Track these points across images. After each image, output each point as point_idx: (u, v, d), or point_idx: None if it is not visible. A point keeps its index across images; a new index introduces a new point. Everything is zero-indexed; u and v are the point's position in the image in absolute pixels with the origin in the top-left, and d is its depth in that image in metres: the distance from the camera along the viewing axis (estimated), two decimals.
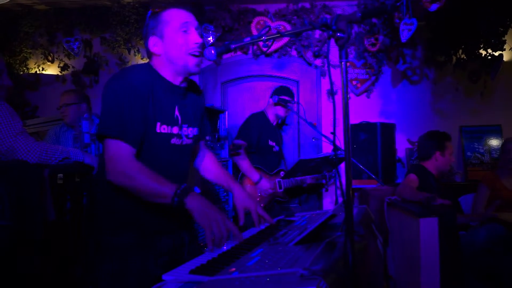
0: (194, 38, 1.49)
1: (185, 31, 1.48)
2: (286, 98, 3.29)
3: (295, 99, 3.37)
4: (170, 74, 1.53)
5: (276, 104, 3.26)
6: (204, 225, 1.31)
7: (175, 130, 1.53)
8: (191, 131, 1.62)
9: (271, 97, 3.34)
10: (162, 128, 1.48)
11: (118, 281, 1.41)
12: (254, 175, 3.07)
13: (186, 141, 1.59)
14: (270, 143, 3.27)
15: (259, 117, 3.31)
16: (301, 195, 3.39)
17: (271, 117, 3.36)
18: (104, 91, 1.42)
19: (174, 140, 1.54)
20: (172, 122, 1.52)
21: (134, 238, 1.46)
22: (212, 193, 2.97)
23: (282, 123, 3.59)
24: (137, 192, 1.35)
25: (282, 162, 3.41)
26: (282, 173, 3.27)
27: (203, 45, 1.52)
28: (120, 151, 1.36)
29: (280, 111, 3.31)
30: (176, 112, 1.54)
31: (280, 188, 3.17)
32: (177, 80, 1.55)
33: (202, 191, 3.05)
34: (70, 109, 2.97)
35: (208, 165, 1.85)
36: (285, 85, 3.45)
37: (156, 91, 1.47)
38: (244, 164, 3.04)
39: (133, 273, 1.42)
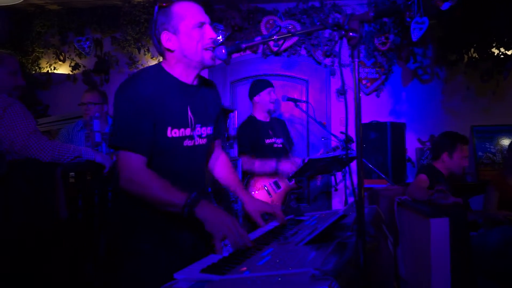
0: (209, 33, 1.47)
1: (200, 27, 1.47)
2: (295, 97, 3.25)
3: (273, 84, 3.25)
4: (183, 71, 1.51)
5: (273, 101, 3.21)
6: (214, 234, 1.31)
7: (188, 131, 1.52)
8: (204, 130, 1.60)
9: (252, 97, 3.23)
10: (173, 132, 1.48)
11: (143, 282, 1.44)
12: (270, 165, 2.99)
13: (199, 141, 1.58)
14: (268, 141, 3.17)
15: (247, 124, 3.22)
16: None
17: (261, 115, 3.24)
18: (114, 100, 1.44)
19: (186, 142, 1.52)
20: (184, 124, 1.51)
21: (153, 237, 1.48)
22: (222, 191, 2.95)
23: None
24: (147, 200, 1.39)
25: (288, 156, 3.34)
26: None
27: (217, 40, 1.50)
28: (130, 161, 1.39)
29: (266, 104, 3.17)
30: (189, 113, 1.53)
31: (291, 180, 3.14)
32: (189, 78, 1.53)
33: (212, 190, 3.05)
34: (95, 108, 3.00)
35: (220, 167, 1.84)
36: (257, 79, 3.34)
37: (167, 95, 1.46)
38: (256, 165, 3.02)
39: (159, 272, 1.44)
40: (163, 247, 1.49)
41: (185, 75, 1.52)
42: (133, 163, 1.39)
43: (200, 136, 1.58)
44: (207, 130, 1.62)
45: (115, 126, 1.43)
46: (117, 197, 1.57)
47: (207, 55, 1.48)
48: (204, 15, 1.50)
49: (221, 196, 2.97)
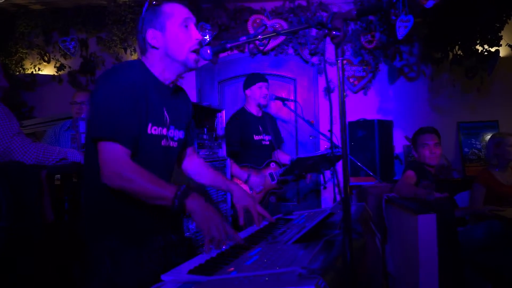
0: (195, 34, 1.47)
1: (186, 26, 1.47)
2: (282, 96, 3.26)
3: (268, 79, 3.27)
4: (163, 71, 1.50)
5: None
6: (203, 227, 1.31)
7: (164, 131, 1.50)
8: (177, 133, 1.59)
9: (245, 90, 3.25)
10: (153, 129, 1.45)
11: (114, 284, 1.39)
12: (242, 175, 3.04)
13: (171, 143, 1.56)
14: (256, 137, 3.19)
15: (238, 116, 3.24)
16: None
17: (254, 109, 3.26)
18: (95, 89, 1.37)
19: (164, 142, 1.51)
20: (162, 123, 1.49)
21: (125, 239, 1.43)
22: (205, 193, 2.93)
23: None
24: (135, 194, 1.32)
25: (274, 153, 3.35)
26: (272, 164, 3.21)
27: (203, 41, 1.50)
28: (115, 153, 1.31)
29: (256, 98, 3.20)
30: (165, 113, 1.51)
31: (273, 180, 3.15)
32: (167, 79, 1.52)
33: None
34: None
35: (202, 170, 1.82)
36: (252, 73, 3.34)
37: (148, 91, 1.43)
38: (232, 169, 3.05)
39: (128, 273, 1.41)
40: (137, 249, 1.44)
41: (163, 75, 1.51)
42: (119, 156, 1.31)
43: (172, 139, 1.56)
44: (179, 134, 1.61)
45: (97, 116, 1.34)
46: (90, 199, 1.50)
47: (192, 57, 1.48)
48: (191, 15, 1.50)
49: (206, 198, 2.96)
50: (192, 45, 1.46)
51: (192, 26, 1.49)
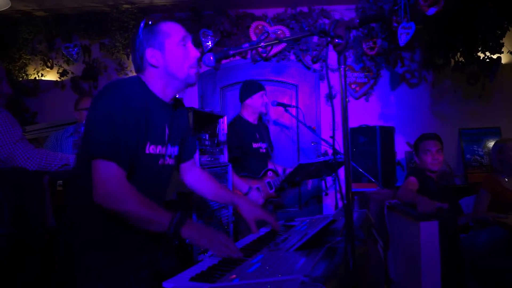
0: (193, 52, 1.49)
1: (184, 45, 1.48)
2: (284, 102, 3.27)
3: (264, 86, 3.26)
4: (162, 88, 1.49)
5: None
6: (206, 246, 1.34)
7: (163, 150, 1.50)
8: (174, 150, 1.59)
9: (244, 100, 3.24)
10: (151, 149, 1.44)
11: None
12: (242, 187, 3.04)
13: (169, 161, 1.56)
14: (255, 145, 3.19)
15: (235, 125, 3.24)
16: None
17: (250, 117, 3.26)
18: (93, 105, 1.34)
19: (161, 161, 1.50)
20: (161, 142, 1.49)
21: (112, 257, 1.40)
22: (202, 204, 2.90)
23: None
24: (128, 218, 1.30)
25: (269, 162, 3.35)
26: (270, 173, 3.21)
27: (200, 58, 1.50)
28: (111, 174, 1.28)
29: (258, 107, 3.20)
30: (166, 131, 1.51)
31: (271, 188, 3.14)
32: (168, 97, 1.51)
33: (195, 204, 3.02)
34: None
35: (204, 184, 1.83)
36: (249, 81, 3.32)
37: (149, 109, 1.41)
38: (234, 180, 3.06)
39: None
40: (120, 266, 1.41)
41: (163, 93, 1.50)
42: (115, 176, 1.28)
43: (170, 156, 1.56)
44: (175, 151, 1.61)
45: (95, 133, 1.30)
46: (76, 214, 1.46)
47: (192, 72, 1.49)
48: (187, 33, 1.52)
49: (202, 208, 2.95)
50: (192, 63, 1.48)
51: (189, 44, 1.50)
